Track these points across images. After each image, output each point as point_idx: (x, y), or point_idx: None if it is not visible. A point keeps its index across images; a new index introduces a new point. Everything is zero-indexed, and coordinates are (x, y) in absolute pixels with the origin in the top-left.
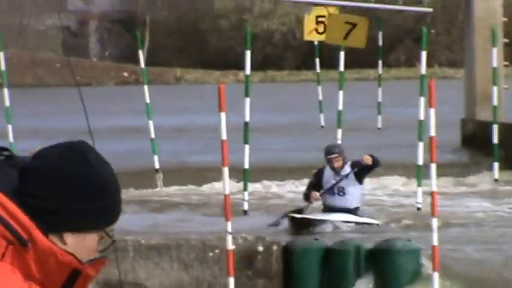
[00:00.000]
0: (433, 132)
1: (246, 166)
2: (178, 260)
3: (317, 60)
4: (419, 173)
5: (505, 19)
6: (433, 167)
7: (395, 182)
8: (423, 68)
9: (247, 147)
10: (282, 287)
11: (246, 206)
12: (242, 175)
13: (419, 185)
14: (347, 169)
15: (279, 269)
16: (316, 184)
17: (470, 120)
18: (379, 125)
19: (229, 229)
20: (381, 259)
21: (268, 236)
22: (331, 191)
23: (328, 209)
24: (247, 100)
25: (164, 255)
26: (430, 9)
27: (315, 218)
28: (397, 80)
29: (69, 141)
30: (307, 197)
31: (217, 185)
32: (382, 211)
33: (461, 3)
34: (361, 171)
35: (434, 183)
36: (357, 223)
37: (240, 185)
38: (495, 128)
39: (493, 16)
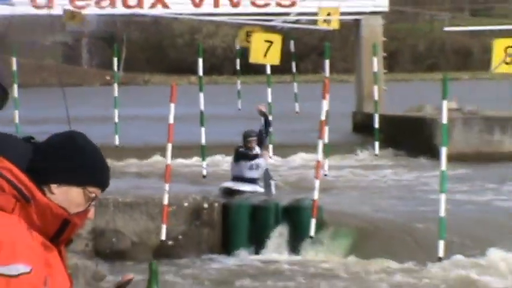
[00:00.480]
0: (323, 117)
1: (203, 142)
2: (146, 213)
3: (238, 64)
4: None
5: (385, 39)
6: (320, 142)
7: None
8: (326, 72)
9: (203, 129)
10: (222, 234)
11: (204, 172)
12: (198, 151)
13: (327, 157)
14: (257, 149)
15: (219, 221)
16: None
17: (359, 112)
18: (297, 109)
19: (166, 188)
20: (292, 213)
21: (212, 196)
22: (248, 164)
23: (239, 178)
24: (201, 94)
25: (136, 209)
26: (331, 28)
27: (241, 189)
28: (306, 83)
29: (68, 130)
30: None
31: (179, 160)
32: (296, 178)
33: (353, 26)
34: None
35: (321, 155)
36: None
37: (194, 159)
38: (376, 117)
39: (375, 36)
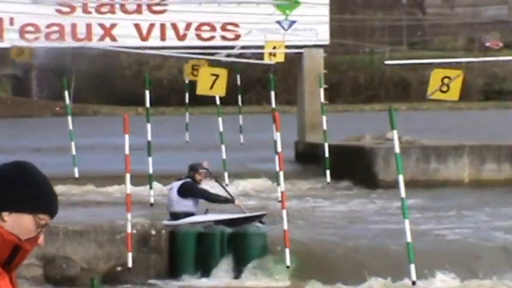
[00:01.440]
0: (279, 149)
1: (151, 171)
2: (95, 240)
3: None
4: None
5: (325, 71)
6: (281, 174)
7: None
8: (273, 103)
9: (150, 158)
10: (168, 260)
11: (152, 200)
12: (143, 179)
13: (278, 184)
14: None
15: (166, 247)
16: None
17: (301, 142)
18: (242, 141)
19: (129, 217)
20: (238, 240)
21: (160, 223)
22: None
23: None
24: (149, 125)
25: (85, 237)
26: (276, 61)
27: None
28: (250, 114)
29: (17, 160)
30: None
31: (121, 187)
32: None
33: (296, 59)
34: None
35: (282, 185)
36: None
37: (141, 188)
38: (326, 146)
39: (317, 68)
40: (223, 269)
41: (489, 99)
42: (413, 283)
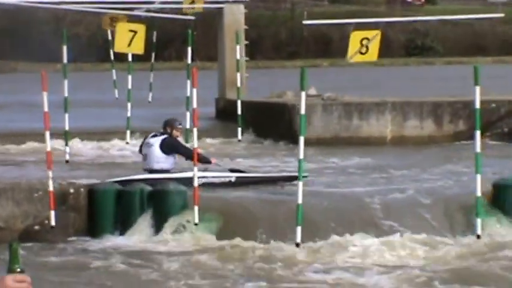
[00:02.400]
0: (195, 105)
1: (67, 128)
2: (12, 198)
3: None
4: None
5: (246, 27)
6: (195, 130)
7: None
8: (189, 59)
9: (67, 115)
10: (87, 218)
11: (67, 157)
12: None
13: (187, 142)
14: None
15: (85, 205)
16: None
17: (222, 99)
18: (150, 99)
19: (50, 175)
20: (158, 198)
21: (77, 180)
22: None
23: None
24: (66, 81)
25: (2, 195)
26: (193, 17)
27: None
28: (171, 70)
29: None
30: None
31: (38, 145)
32: None
33: (216, 15)
34: None
35: (196, 141)
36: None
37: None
38: (239, 103)
39: (237, 24)
40: (142, 227)
41: (411, 55)
42: (297, 245)
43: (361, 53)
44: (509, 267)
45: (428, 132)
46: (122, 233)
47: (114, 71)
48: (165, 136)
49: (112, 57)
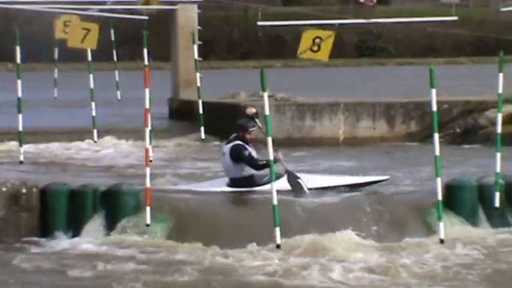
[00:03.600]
0: (147, 106)
1: (20, 128)
2: None
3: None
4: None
5: (200, 27)
6: (147, 130)
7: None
8: (145, 60)
9: (20, 115)
10: (39, 218)
11: (21, 158)
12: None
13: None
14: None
15: (37, 206)
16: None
17: (176, 99)
18: (119, 97)
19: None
20: (111, 198)
21: (29, 180)
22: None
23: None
24: (19, 81)
25: None
26: (146, 18)
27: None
28: (125, 71)
29: None
30: (265, 165)
31: None
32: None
33: (170, 15)
34: None
35: (147, 141)
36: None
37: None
38: (200, 103)
39: (191, 24)
40: (95, 227)
41: (363, 55)
42: (278, 246)
43: (312, 51)
44: (463, 264)
45: (381, 133)
46: (74, 234)
47: (56, 70)
48: (233, 143)
49: (56, 56)
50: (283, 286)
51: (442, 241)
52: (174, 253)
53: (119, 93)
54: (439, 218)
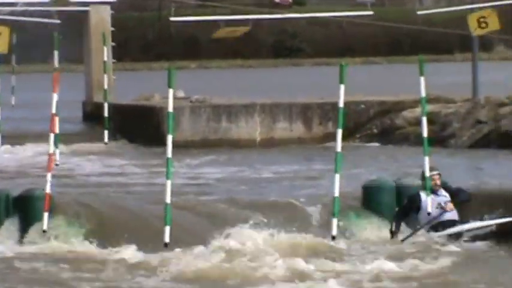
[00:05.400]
0: (54, 110)
1: None
2: None
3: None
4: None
5: (113, 29)
6: (52, 135)
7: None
8: (56, 63)
9: None
10: None
11: None
12: None
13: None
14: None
15: None
16: (410, 208)
17: (89, 102)
18: (13, 102)
19: None
20: (23, 204)
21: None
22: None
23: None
24: None
25: None
26: (58, 21)
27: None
28: (37, 73)
29: None
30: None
31: None
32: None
33: (82, 16)
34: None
35: (51, 147)
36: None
37: None
38: (106, 106)
39: (104, 25)
40: (7, 232)
41: (279, 56)
42: (165, 245)
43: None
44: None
45: (298, 134)
46: None
47: None
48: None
49: None
50: None
51: (333, 238)
52: (75, 258)
53: (13, 98)
54: (334, 215)
